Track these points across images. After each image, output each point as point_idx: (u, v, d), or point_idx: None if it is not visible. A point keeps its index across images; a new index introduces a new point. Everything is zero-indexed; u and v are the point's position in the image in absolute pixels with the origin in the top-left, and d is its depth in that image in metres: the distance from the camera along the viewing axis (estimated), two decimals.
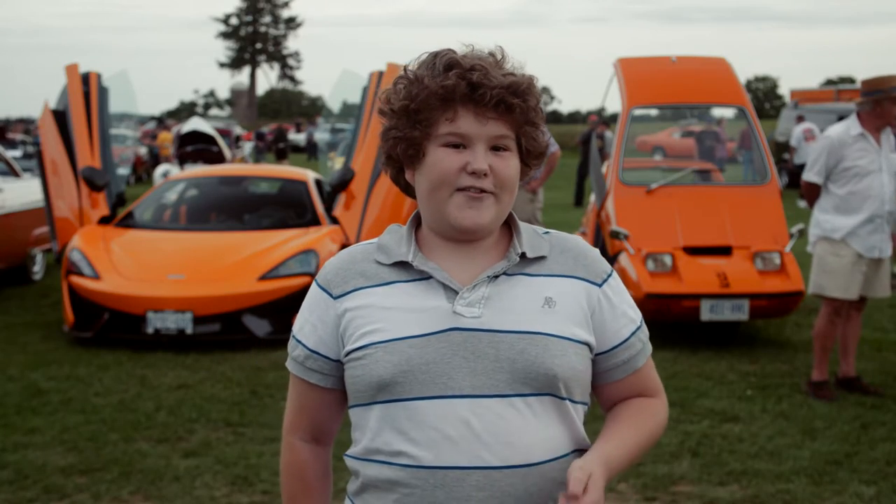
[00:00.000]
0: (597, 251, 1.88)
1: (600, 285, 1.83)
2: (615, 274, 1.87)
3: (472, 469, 1.71)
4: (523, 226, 1.85)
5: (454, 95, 1.72)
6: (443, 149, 1.74)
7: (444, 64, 1.74)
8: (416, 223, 1.85)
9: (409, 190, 1.85)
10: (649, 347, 1.90)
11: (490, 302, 1.76)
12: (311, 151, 39.57)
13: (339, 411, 1.89)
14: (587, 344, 1.80)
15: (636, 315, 1.87)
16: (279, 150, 31.23)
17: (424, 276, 1.78)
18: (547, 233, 1.88)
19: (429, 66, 1.76)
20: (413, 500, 1.73)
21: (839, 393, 6.59)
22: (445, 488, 1.71)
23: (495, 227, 1.80)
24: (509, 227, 1.85)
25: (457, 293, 1.76)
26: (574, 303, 1.80)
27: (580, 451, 1.81)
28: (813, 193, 6.55)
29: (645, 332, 1.89)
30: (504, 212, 1.79)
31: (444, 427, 1.71)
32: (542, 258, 1.82)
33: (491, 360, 1.73)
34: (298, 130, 49.45)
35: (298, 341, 1.86)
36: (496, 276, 1.78)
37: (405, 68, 1.79)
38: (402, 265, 1.80)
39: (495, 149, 1.75)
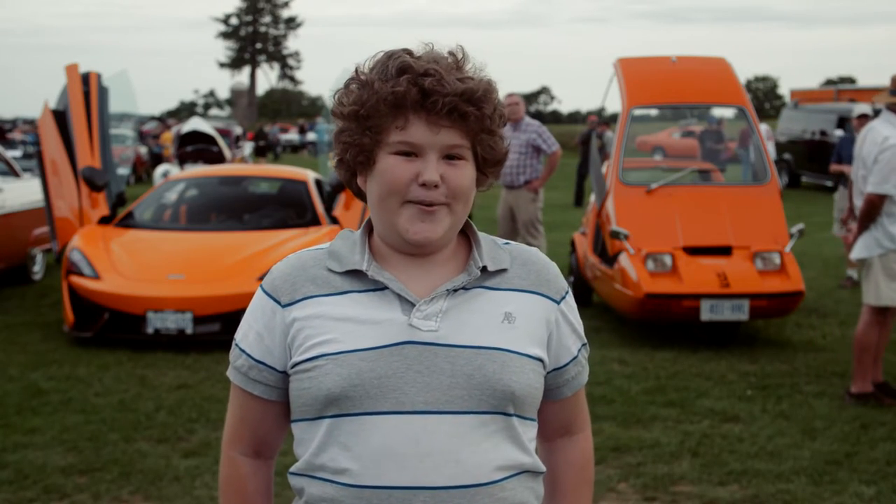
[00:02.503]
0: (556, 266, 1.84)
1: (559, 302, 1.79)
2: (570, 291, 1.84)
3: (419, 489, 1.65)
4: (482, 236, 1.79)
5: (405, 102, 1.64)
6: (393, 157, 1.67)
7: (397, 68, 1.65)
8: (370, 229, 1.78)
9: (361, 195, 1.78)
10: (588, 366, 1.89)
11: (448, 315, 1.69)
12: (274, 151, 43.65)
13: (282, 424, 1.81)
14: (542, 361, 1.76)
15: (582, 332, 1.85)
16: (258, 147, 32.98)
17: (379, 287, 1.71)
18: (507, 244, 1.82)
19: (381, 68, 1.67)
20: None
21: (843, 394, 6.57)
22: None
23: (449, 240, 1.73)
24: (466, 236, 1.79)
25: (413, 305, 1.69)
26: (534, 319, 1.75)
27: (530, 473, 1.76)
28: (881, 206, 6.22)
29: (587, 350, 1.87)
30: (458, 223, 1.72)
31: (393, 444, 1.65)
32: (502, 271, 1.76)
33: (447, 375, 1.66)
34: (301, 131, 50.81)
35: (242, 350, 1.77)
36: (455, 290, 1.72)
37: (356, 69, 1.71)
38: (356, 274, 1.72)
39: (449, 157, 1.67)
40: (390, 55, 1.69)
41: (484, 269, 1.74)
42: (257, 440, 1.81)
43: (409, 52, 1.69)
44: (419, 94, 1.64)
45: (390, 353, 1.67)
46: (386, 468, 1.65)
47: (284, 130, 52.28)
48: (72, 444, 5.61)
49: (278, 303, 1.74)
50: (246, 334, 1.77)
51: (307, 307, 1.71)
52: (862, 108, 11.27)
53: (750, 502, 4.83)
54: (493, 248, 1.78)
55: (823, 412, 6.21)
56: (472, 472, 1.67)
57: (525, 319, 1.74)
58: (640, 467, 5.21)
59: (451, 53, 1.69)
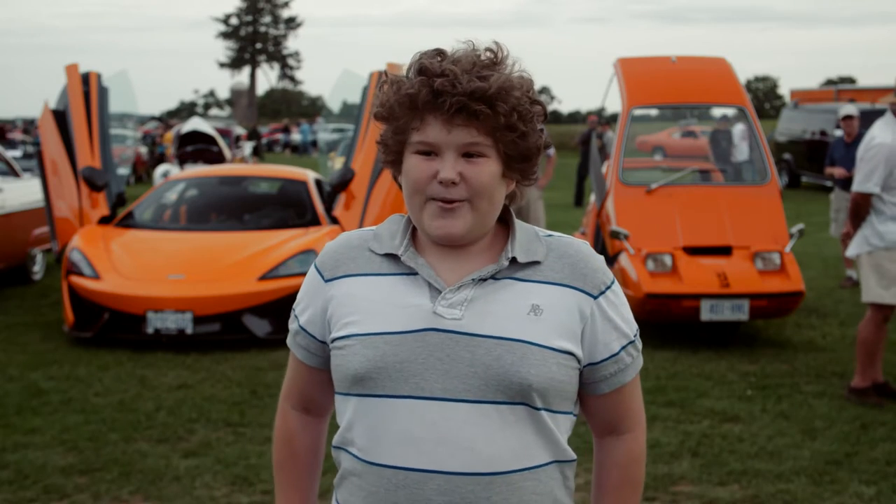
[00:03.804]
0: (601, 259, 1.82)
1: (596, 297, 1.77)
2: (616, 286, 1.81)
3: (434, 473, 1.69)
4: (522, 228, 1.81)
5: (417, 103, 1.70)
6: (415, 156, 1.73)
7: (416, 69, 1.72)
8: None
9: None
10: (640, 362, 1.84)
11: (473, 305, 1.73)
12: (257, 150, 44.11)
13: (327, 389, 1.89)
14: (572, 354, 1.75)
15: (629, 329, 1.81)
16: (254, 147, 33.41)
17: (412, 272, 1.76)
18: (550, 236, 1.83)
19: (408, 69, 1.75)
20: (377, 499, 1.73)
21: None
22: (407, 489, 1.70)
23: (476, 235, 1.76)
24: (507, 228, 1.82)
25: (441, 293, 1.74)
26: (563, 312, 1.75)
27: (560, 463, 1.78)
28: (868, 205, 6.29)
29: (636, 347, 1.83)
30: (484, 218, 1.74)
31: (411, 428, 1.70)
32: (535, 263, 1.78)
33: (466, 364, 1.70)
34: (285, 130, 51.22)
35: (295, 316, 1.89)
36: (483, 280, 1.75)
37: (385, 72, 1.78)
38: (392, 258, 1.79)
39: (468, 155, 1.71)
40: (419, 55, 1.74)
41: (514, 260, 1.76)
42: (305, 398, 1.93)
43: (439, 52, 1.73)
44: (430, 95, 1.69)
45: (414, 339, 1.72)
46: (403, 450, 1.70)
47: (284, 130, 52.55)
48: (72, 444, 5.61)
49: (322, 277, 1.83)
50: (299, 302, 1.89)
51: (344, 285, 1.80)
52: (848, 108, 11.27)
53: (750, 502, 4.83)
54: (529, 240, 1.80)
55: (823, 412, 6.22)
56: (488, 461, 1.70)
57: (553, 312, 1.74)
58: None
59: (488, 49, 1.73)
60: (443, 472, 1.69)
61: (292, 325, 1.89)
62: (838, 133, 19.27)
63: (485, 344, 1.71)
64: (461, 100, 1.67)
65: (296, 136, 47.92)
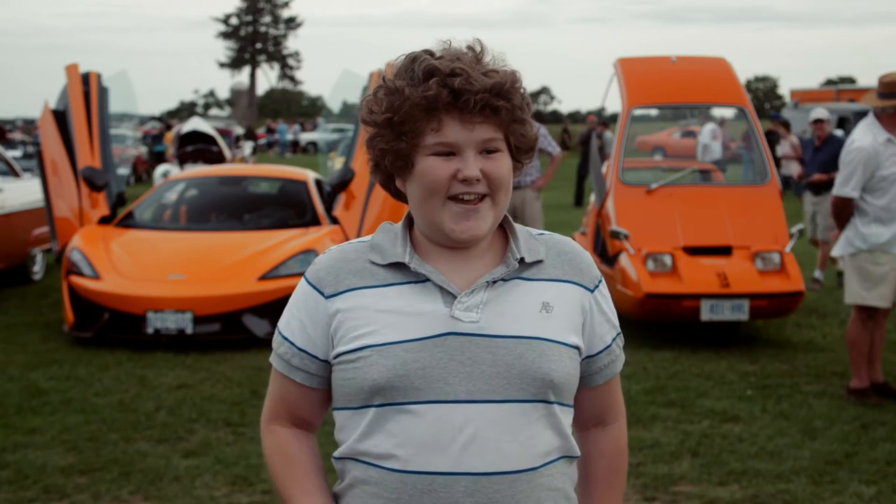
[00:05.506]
0: (589, 255, 1.88)
1: (592, 291, 1.83)
2: (603, 279, 1.88)
3: (461, 475, 1.70)
4: (518, 228, 1.83)
5: (437, 105, 1.68)
6: (432, 158, 1.71)
7: (423, 71, 1.69)
8: (409, 223, 1.82)
9: (399, 196, 1.82)
10: (623, 355, 1.92)
11: (488, 307, 1.74)
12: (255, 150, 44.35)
13: (320, 408, 1.85)
14: (578, 348, 1.80)
15: (616, 321, 1.89)
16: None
17: (421, 279, 1.75)
18: (541, 234, 1.86)
19: (407, 73, 1.71)
20: None
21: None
22: (434, 494, 1.70)
23: (492, 232, 1.78)
24: (502, 227, 1.83)
25: (454, 297, 1.74)
26: (570, 308, 1.80)
27: (567, 458, 1.81)
28: (849, 209, 6.30)
29: (622, 339, 1.90)
30: (500, 213, 1.77)
31: (437, 433, 1.70)
32: (538, 262, 1.81)
33: (488, 364, 1.71)
34: (269, 131, 51.58)
35: (285, 338, 1.82)
36: (494, 282, 1.76)
37: (383, 77, 1.75)
38: (398, 266, 1.77)
39: (485, 151, 1.72)
40: (413, 59, 1.72)
41: (521, 260, 1.78)
42: (295, 417, 1.85)
43: (430, 53, 1.72)
44: (450, 96, 1.68)
45: (433, 345, 1.71)
46: (429, 455, 1.70)
47: (269, 131, 52.88)
48: (72, 444, 5.61)
49: (322, 293, 1.79)
50: (289, 322, 1.82)
51: (350, 299, 1.76)
52: (817, 112, 11.29)
53: (750, 502, 4.83)
54: (528, 240, 1.82)
55: (823, 412, 6.22)
56: (514, 459, 1.71)
57: (561, 308, 1.79)
58: (640, 467, 5.21)
59: (470, 48, 1.73)
60: (470, 474, 1.70)
61: (283, 349, 1.82)
62: (838, 133, 19.31)
63: (505, 344, 1.73)
64: (484, 97, 1.68)
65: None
